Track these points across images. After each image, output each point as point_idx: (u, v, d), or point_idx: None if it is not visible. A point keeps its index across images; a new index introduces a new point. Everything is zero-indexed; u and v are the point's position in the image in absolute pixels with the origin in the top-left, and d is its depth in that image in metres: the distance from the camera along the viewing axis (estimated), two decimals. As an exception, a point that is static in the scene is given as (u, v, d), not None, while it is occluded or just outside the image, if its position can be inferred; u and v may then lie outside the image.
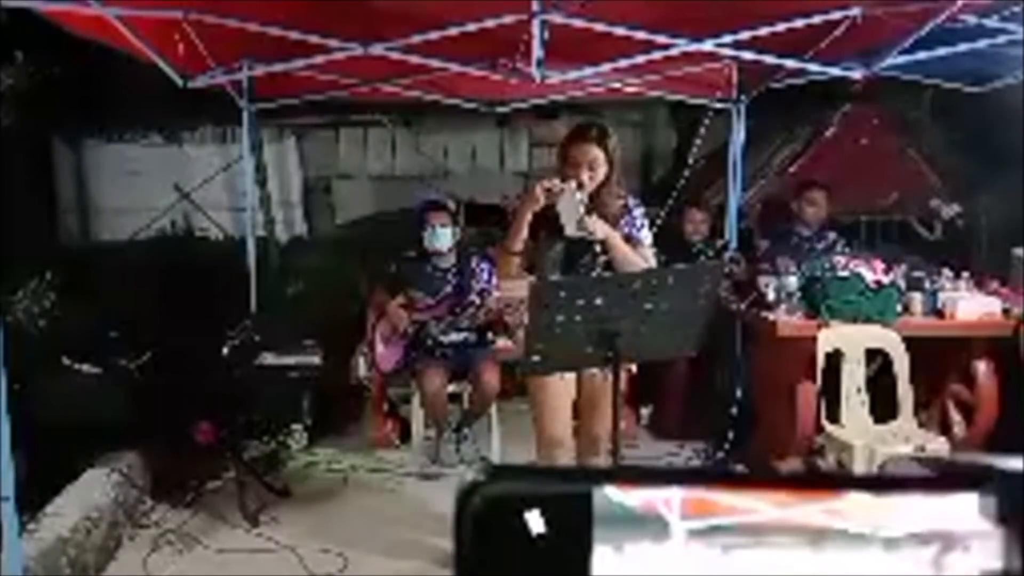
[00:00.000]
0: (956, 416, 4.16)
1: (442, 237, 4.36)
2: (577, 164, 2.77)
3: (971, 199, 5.27)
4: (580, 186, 2.72)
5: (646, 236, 2.91)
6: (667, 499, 0.49)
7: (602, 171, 2.79)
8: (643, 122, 6.70)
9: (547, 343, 2.33)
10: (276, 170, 6.45)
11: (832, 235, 4.66)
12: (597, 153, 2.78)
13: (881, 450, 3.56)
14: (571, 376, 2.87)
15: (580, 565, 0.49)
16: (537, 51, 3.59)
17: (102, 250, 6.23)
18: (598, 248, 2.73)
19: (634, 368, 3.09)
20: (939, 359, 4.05)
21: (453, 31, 3.53)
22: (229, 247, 5.87)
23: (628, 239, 2.83)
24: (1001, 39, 3.74)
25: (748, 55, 4.06)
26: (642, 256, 2.83)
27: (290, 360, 4.82)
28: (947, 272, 4.21)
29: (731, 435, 4.32)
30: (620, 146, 2.88)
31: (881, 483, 0.52)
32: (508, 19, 3.44)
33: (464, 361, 4.32)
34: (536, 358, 2.40)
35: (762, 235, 5.06)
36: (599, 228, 2.71)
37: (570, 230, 2.68)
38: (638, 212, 2.92)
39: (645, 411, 4.98)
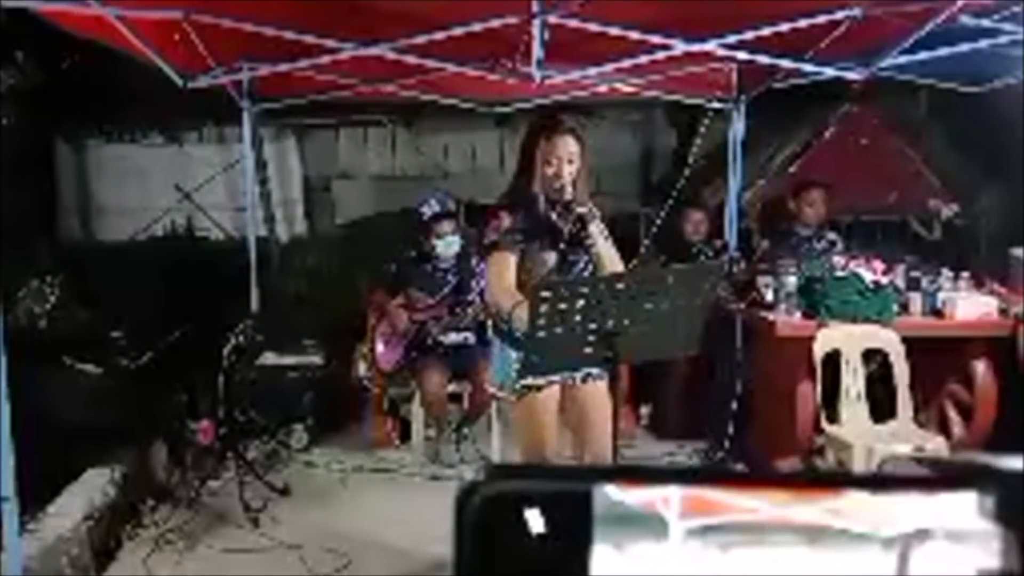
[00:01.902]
0: (954, 416, 4.16)
1: (453, 245, 4.42)
2: (558, 159, 2.64)
3: (970, 199, 5.27)
4: (561, 184, 2.63)
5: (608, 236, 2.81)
6: (666, 498, 0.49)
7: (578, 166, 2.67)
8: (643, 122, 6.71)
9: (547, 343, 2.33)
10: (277, 170, 6.45)
11: (831, 235, 4.65)
12: (576, 147, 2.66)
13: (880, 450, 3.56)
14: (555, 395, 2.77)
15: (580, 564, 0.49)
16: (537, 51, 3.59)
17: (103, 250, 6.23)
18: (585, 249, 2.66)
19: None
20: (938, 359, 4.05)
21: (454, 32, 3.53)
22: (230, 247, 5.87)
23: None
24: (1001, 39, 3.75)
25: (748, 55, 4.06)
26: (614, 254, 2.74)
27: (291, 360, 4.82)
28: (946, 272, 4.21)
29: (731, 435, 4.32)
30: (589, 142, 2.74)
31: (880, 483, 0.52)
32: (508, 19, 3.44)
33: (464, 361, 4.33)
34: (536, 358, 2.40)
35: (762, 235, 5.06)
36: (587, 219, 2.62)
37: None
38: (597, 211, 2.81)
39: (645, 411, 4.99)
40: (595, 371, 2.75)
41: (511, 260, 2.68)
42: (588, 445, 2.80)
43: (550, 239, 2.70)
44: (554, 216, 2.71)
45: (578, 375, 2.77)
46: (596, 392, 2.76)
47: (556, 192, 2.66)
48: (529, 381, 2.70)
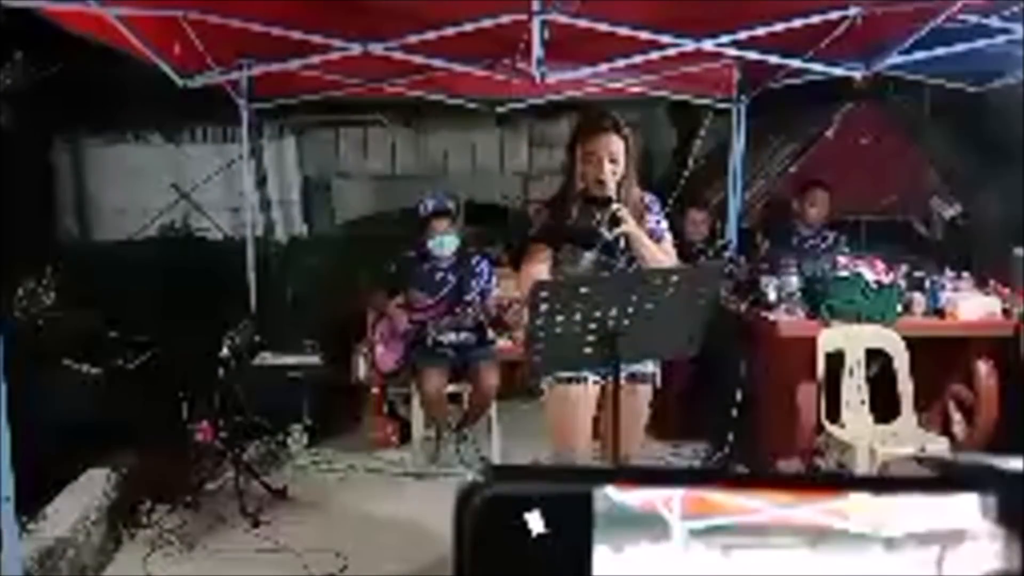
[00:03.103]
0: (956, 416, 4.16)
1: (449, 244, 4.37)
2: (598, 158, 2.59)
3: (972, 199, 5.27)
4: (601, 182, 2.60)
5: (667, 230, 2.77)
6: (667, 499, 0.49)
7: (623, 163, 2.62)
8: (643, 122, 6.69)
9: (547, 343, 2.33)
10: (276, 170, 6.45)
11: (832, 235, 4.66)
12: (619, 144, 2.61)
13: (882, 450, 3.56)
14: (592, 393, 2.71)
15: (580, 565, 0.48)
16: (537, 51, 3.58)
17: (102, 250, 6.23)
18: (624, 249, 2.62)
19: (658, 381, 2.83)
20: (940, 359, 4.05)
21: (453, 31, 3.53)
22: (229, 247, 5.88)
23: (651, 234, 2.68)
24: (1001, 39, 3.75)
25: (748, 55, 4.06)
26: (665, 252, 2.68)
27: (290, 360, 4.82)
28: (948, 272, 4.21)
29: (731, 435, 4.31)
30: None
31: (882, 483, 0.51)
32: (508, 19, 3.44)
33: (464, 361, 4.32)
34: (537, 358, 2.40)
35: (763, 235, 5.06)
36: (629, 223, 2.56)
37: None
38: (656, 207, 2.78)
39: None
40: (639, 372, 2.68)
41: (546, 251, 2.66)
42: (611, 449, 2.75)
43: (586, 239, 2.63)
44: (596, 216, 2.62)
45: (622, 375, 2.65)
46: (632, 392, 2.66)
47: (597, 190, 2.62)
48: (562, 374, 2.65)
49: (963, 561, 0.49)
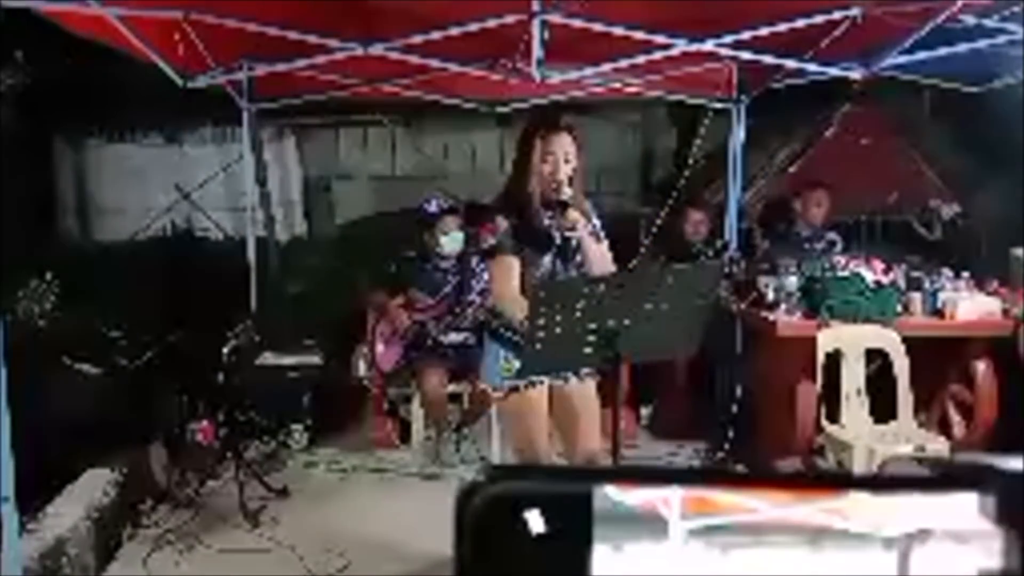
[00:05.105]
0: (956, 416, 4.16)
1: (457, 241, 4.39)
2: (555, 158, 2.64)
3: (971, 199, 5.27)
4: (558, 181, 2.62)
5: (602, 235, 2.81)
6: (667, 499, 0.49)
7: (574, 164, 2.67)
8: (643, 122, 6.70)
9: (547, 343, 2.33)
10: (276, 170, 6.45)
11: (831, 235, 4.66)
12: (572, 145, 2.66)
13: (881, 450, 3.56)
14: (543, 396, 2.77)
15: (580, 565, 0.49)
16: (537, 51, 3.59)
17: (102, 250, 6.23)
18: (576, 252, 2.68)
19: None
20: (939, 359, 4.05)
21: (453, 31, 3.53)
22: (229, 247, 5.87)
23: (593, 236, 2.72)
24: (1001, 39, 3.75)
25: (748, 55, 4.06)
26: (604, 255, 2.72)
27: (290, 360, 4.82)
28: (947, 272, 4.21)
29: (731, 435, 4.31)
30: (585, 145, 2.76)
31: (881, 483, 0.52)
32: (508, 19, 3.44)
33: (464, 361, 4.32)
34: (536, 358, 2.40)
35: (762, 235, 5.05)
36: (579, 222, 2.62)
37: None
38: (592, 212, 2.80)
39: (645, 411, 4.98)
40: (584, 371, 2.74)
41: (516, 265, 2.68)
42: (576, 446, 2.80)
43: (544, 242, 2.69)
44: (548, 218, 2.69)
45: (567, 375, 2.76)
46: (583, 392, 2.76)
47: (552, 190, 2.65)
48: (517, 381, 2.70)
49: (961, 561, 0.49)
